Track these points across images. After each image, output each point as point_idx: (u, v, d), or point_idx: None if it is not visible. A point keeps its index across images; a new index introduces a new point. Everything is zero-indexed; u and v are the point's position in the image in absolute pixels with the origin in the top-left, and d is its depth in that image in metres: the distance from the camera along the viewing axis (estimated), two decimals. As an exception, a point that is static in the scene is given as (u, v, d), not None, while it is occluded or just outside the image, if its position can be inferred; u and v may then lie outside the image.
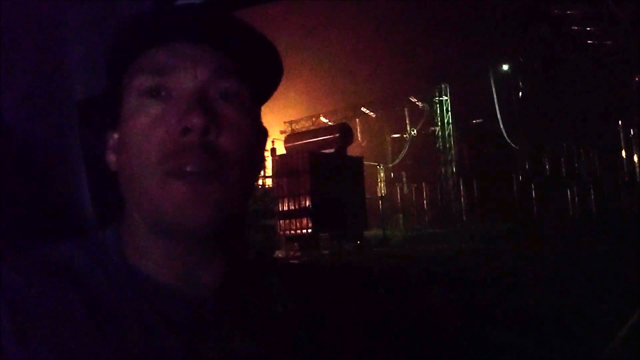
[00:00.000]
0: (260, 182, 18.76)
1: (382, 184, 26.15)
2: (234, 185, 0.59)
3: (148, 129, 0.58)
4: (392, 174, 27.37)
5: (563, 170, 21.84)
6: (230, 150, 0.58)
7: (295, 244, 16.58)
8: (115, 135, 0.64)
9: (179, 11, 0.62)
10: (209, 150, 0.57)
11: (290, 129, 26.41)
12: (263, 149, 0.71)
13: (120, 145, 0.61)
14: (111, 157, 0.65)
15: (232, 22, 0.61)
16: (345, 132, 20.11)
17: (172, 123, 0.57)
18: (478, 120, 24.89)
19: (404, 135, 26.41)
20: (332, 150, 19.19)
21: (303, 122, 27.00)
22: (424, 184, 26.04)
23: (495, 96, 22.59)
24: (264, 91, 0.69)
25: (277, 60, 0.67)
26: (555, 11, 20.08)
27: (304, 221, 16.70)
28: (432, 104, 24.73)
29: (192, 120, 0.56)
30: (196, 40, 0.60)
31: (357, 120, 27.28)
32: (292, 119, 27.40)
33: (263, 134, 0.69)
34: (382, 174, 26.48)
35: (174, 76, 0.59)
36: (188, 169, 0.56)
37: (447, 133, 24.24)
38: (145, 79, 0.59)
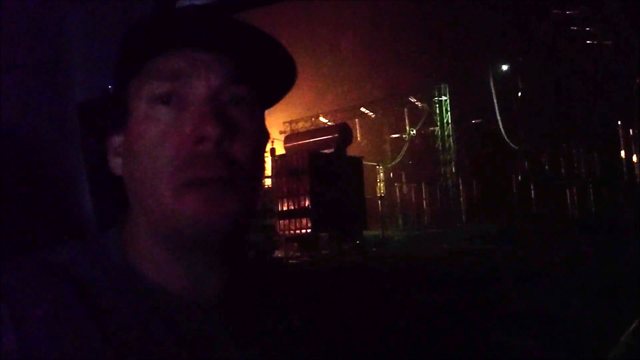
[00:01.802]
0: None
1: (382, 184, 26.11)
2: (247, 193, 0.59)
3: (161, 136, 0.57)
4: (391, 174, 27.35)
5: (562, 170, 21.84)
6: (242, 157, 0.58)
7: (295, 244, 16.57)
8: (118, 139, 0.63)
9: (188, 16, 0.62)
10: (224, 158, 0.57)
11: (289, 129, 26.38)
12: (264, 153, 0.71)
13: (128, 151, 0.61)
14: (115, 161, 0.64)
15: (243, 27, 0.61)
16: (344, 132, 20.07)
17: (187, 131, 0.57)
18: (477, 121, 24.87)
19: (404, 135, 26.41)
20: (331, 151, 19.16)
21: (302, 122, 26.97)
22: (423, 184, 26.02)
23: (494, 96, 22.58)
24: (273, 95, 0.69)
25: (291, 64, 0.66)
26: (555, 11, 20.09)
27: (304, 221, 16.68)
28: (431, 104, 24.72)
29: (208, 129, 0.56)
30: (207, 46, 0.60)
31: (356, 120, 27.27)
32: (292, 119, 27.37)
33: (266, 137, 0.69)
34: (381, 174, 26.45)
35: (186, 83, 0.59)
36: (205, 178, 0.56)
37: (446, 133, 24.24)
38: (156, 85, 0.59)
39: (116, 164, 0.64)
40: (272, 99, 0.70)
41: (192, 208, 0.55)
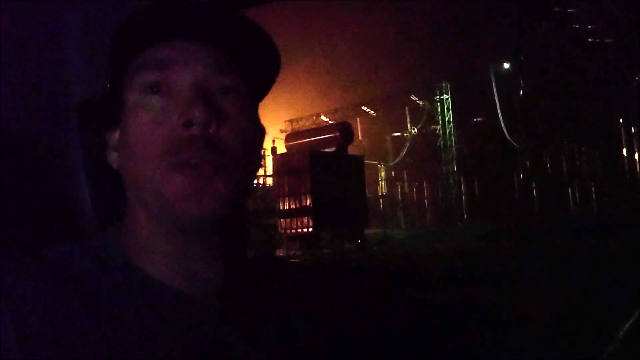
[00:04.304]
0: (261, 181, 18.76)
1: (383, 183, 26.10)
2: (235, 179, 0.59)
3: (150, 124, 0.59)
4: (392, 173, 27.32)
5: (564, 168, 21.80)
6: (231, 144, 0.59)
7: (296, 243, 16.57)
8: (116, 134, 0.64)
9: (179, 8, 0.62)
10: (211, 143, 0.58)
11: (290, 127, 26.38)
12: (261, 147, 0.72)
13: (122, 142, 0.62)
14: (112, 156, 0.66)
15: (232, 18, 0.62)
16: (346, 131, 20.04)
17: (174, 117, 0.58)
18: (479, 119, 24.84)
19: (405, 134, 26.36)
20: (332, 149, 19.14)
21: (304, 121, 26.96)
22: (425, 183, 26.01)
23: (496, 95, 22.55)
24: (262, 88, 0.70)
25: (275, 53, 0.67)
26: (557, 9, 20.04)
27: (305, 220, 16.68)
28: (433, 103, 24.68)
29: (194, 114, 0.57)
30: (196, 36, 0.61)
31: (357, 119, 27.23)
32: (293, 117, 27.36)
33: (261, 131, 0.70)
34: (382, 173, 26.44)
35: (174, 71, 0.60)
36: (193, 161, 0.57)
37: (448, 131, 24.20)
38: (146, 74, 0.60)
39: (114, 157, 0.65)
40: (262, 91, 0.71)
41: (180, 188, 0.57)
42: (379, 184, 25.63)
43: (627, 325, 3.90)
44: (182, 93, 0.59)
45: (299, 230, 16.83)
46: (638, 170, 19.85)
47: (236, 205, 0.60)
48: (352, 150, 20.79)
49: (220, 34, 0.62)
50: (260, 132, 0.69)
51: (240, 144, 0.60)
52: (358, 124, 27.07)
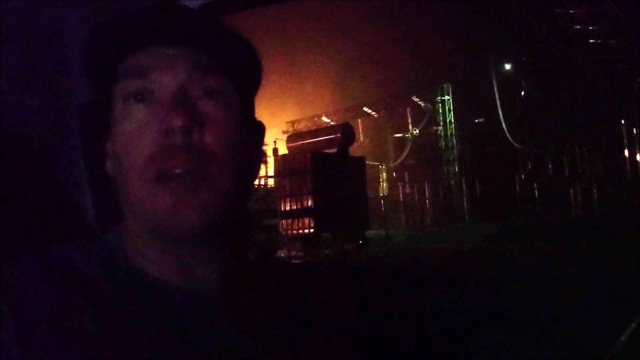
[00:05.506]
0: (262, 182, 18.77)
1: (384, 184, 26.12)
2: (223, 185, 0.59)
3: (135, 134, 0.58)
4: (394, 174, 27.33)
5: (566, 170, 21.79)
6: (216, 149, 0.58)
7: (298, 244, 16.57)
8: (111, 142, 0.64)
9: (158, 14, 0.62)
10: (194, 150, 0.57)
11: (292, 128, 26.38)
12: (260, 144, 0.71)
13: (113, 153, 0.62)
14: (109, 164, 0.66)
15: (209, 23, 0.62)
16: (347, 132, 20.05)
17: (156, 126, 0.57)
18: (480, 120, 24.84)
19: (406, 135, 26.38)
20: (334, 150, 19.14)
21: (305, 122, 26.97)
22: (426, 184, 25.99)
23: (497, 95, 22.54)
24: (250, 85, 0.69)
25: (254, 54, 0.67)
26: (558, 10, 20.03)
27: (306, 221, 16.68)
28: (434, 104, 24.69)
29: (173, 121, 0.56)
30: (176, 40, 0.61)
31: (359, 120, 27.24)
32: (294, 118, 27.38)
33: (258, 127, 0.69)
34: (384, 174, 26.45)
35: (154, 78, 0.59)
36: (175, 171, 0.56)
37: (449, 132, 24.20)
38: (128, 83, 0.60)
39: (109, 166, 0.65)
40: (251, 90, 0.70)
41: (163, 204, 0.56)
42: (380, 185, 25.63)
43: (629, 328, 3.90)
44: (164, 100, 0.58)
45: (300, 231, 16.83)
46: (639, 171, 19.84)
47: (225, 211, 0.60)
48: (353, 151, 20.80)
49: (200, 37, 0.61)
50: (257, 129, 0.68)
51: (227, 146, 0.59)
52: (359, 125, 27.08)
